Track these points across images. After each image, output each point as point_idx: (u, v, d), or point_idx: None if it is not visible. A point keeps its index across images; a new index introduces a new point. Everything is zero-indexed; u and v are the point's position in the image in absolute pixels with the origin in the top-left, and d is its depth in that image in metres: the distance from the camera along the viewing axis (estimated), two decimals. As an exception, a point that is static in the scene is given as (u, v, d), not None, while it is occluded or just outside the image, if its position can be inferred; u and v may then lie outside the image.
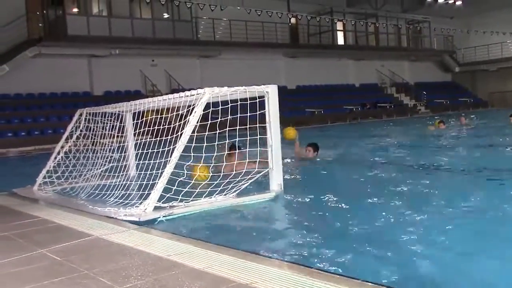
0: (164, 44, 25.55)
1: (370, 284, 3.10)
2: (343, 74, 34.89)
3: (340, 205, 5.76)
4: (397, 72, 37.27)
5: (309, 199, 6.15)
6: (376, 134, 18.49)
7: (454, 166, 8.70)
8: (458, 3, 35.95)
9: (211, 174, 6.83)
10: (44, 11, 23.14)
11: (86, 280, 3.48)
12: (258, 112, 6.39)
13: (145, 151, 6.82)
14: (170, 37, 25.60)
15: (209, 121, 6.16)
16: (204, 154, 6.23)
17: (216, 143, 6.39)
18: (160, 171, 5.70)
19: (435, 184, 6.85)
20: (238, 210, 5.70)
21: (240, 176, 6.29)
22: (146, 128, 7.58)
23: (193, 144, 5.87)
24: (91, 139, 8.31)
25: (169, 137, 6.23)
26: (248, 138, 6.53)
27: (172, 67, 26.87)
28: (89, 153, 8.22)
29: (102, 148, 8.00)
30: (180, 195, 5.67)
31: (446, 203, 5.45)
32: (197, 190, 5.88)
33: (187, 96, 6.18)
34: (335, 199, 5.99)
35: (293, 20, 31.84)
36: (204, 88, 6.03)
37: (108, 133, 7.98)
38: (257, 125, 6.40)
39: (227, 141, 6.71)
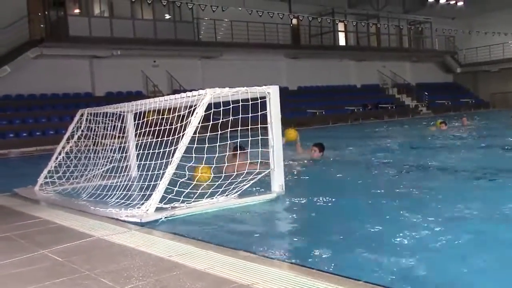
0: (166, 45, 25.58)
1: (370, 285, 3.10)
2: (345, 75, 34.89)
3: (341, 206, 5.76)
4: (398, 73, 37.25)
5: (310, 200, 6.15)
6: (378, 135, 18.48)
7: (456, 166, 8.68)
8: (460, 3, 35.98)
9: (213, 175, 6.82)
10: (46, 12, 23.17)
11: (88, 281, 3.49)
12: (259, 113, 6.39)
13: (146, 151, 6.81)
14: (172, 38, 25.62)
15: (211, 122, 6.16)
16: (205, 155, 6.23)
17: (218, 144, 6.39)
18: (161, 172, 5.70)
19: (436, 185, 6.84)
20: (240, 211, 5.70)
21: (242, 177, 6.29)
22: (147, 129, 7.58)
23: (195, 145, 5.87)
24: (92, 139, 8.32)
25: (170, 138, 6.23)
26: (250, 139, 6.53)
27: (173, 68, 26.89)
28: (91, 154, 8.23)
29: (103, 148, 8.00)
30: (182, 196, 5.67)
31: (448, 205, 5.43)
32: (198, 191, 5.88)
33: (189, 97, 6.18)
34: (336, 200, 5.99)
35: (294, 21, 31.86)
36: (206, 89, 6.03)
37: (110, 134, 7.99)
38: (259, 125, 6.39)
39: (229, 142, 6.71)
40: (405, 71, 37.92)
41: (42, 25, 23.00)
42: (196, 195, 5.82)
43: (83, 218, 5.76)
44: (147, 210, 5.42)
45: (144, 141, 7.35)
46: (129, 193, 6.28)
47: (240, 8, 26.33)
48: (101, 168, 7.76)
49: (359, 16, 34.77)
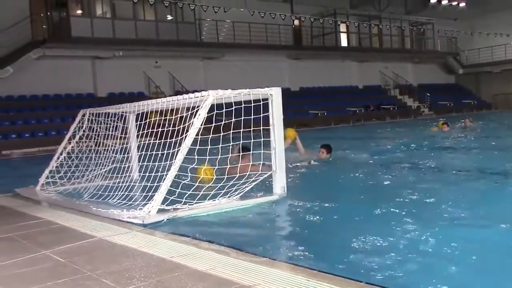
0: (168, 46, 25.60)
1: (371, 286, 3.10)
2: (347, 76, 34.88)
3: (342, 208, 5.75)
4: (400, 74, 37.23)
5: (312, 202, 6.14)
6: (380, 136, 18.47)
7: (456, 167, 8.67)
8: (462, 4, 35.97)
9: (215, 177, 6.81)
10: (48, 13, 23.20)
11: (89, 282, 3.49)
12: (262, 115, 6.38)
13: (148, 152, 6.82)
14: (174, 39, 25.64)
15: (213, 124, 6.16)
16: (208, 157, 6.23)
17: (220, 145, 6.39)
18: (165, 173, 5.70)
19: (439, 187, 6.83)
20: (242, 213, 5.70)
21: (244, 178, 6.29)
22: (150, 130, 7.58)
23: (197, 147, 5.87)
24: (94, 139, 8.32)
25: (173, 139, 6.22)
26: (252, 140, 6.53)
27: (175, 69, 26.91)
28: (92, 154, 8.23)
29: (105, 149, 8.01)
30: (184, 198, 5.68)
31: (450, 208, 5.42)
32: (201, 193, 5.89)
33: (191, 98, 6.18)
34: (337, 202, 5.98)
35: (296, 22, 31.86)
36: (208, 90, 6.03)
37: (111, 134, 7.99)
38: (261, 127, 6.38)
39: (231, 143, 6.71)
40: (407, 72, 37.90)
41: (44, 26, 23.02)
42: (198, 197, 5.82)
43: (85, 218, 5.77)
44: (149, 211, 5.42)
45: (147, 142, 7.35)
46: (131, 194, 6.29)
47: (242, 9, 26.33)
48: (103, 169, 7.77)
49: (361, 17, 34.75)
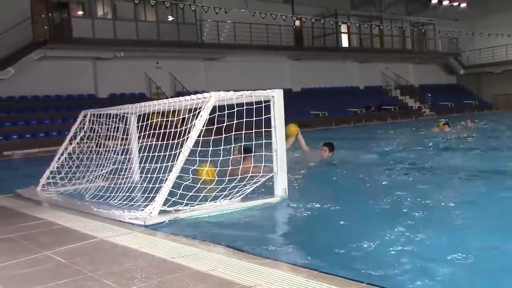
0: (169, 47, 25.61)
1: (371, 286, 3.10)
2: (348, 76, 34.87)
3: (343, 210, 5.75)
4: (401, 74, 37.21)
5: (313, 203, 6.14)
6: (381, 136, 18.46)
7: (457, 168, 8.67)
8: (463, 5, 35.91)
9: (217, 178, 6.81)
10: (49, 14, 23.20)
11: (91, 282, 3.50)
12: (264, 117, 6.38)
13: (150, 154, 6.82)
14: (175, 40, 25.65)
15: (215, 125, 6.16)
16: (210, 158, 6.23)
17: (222, 147, 6.39)
18: (166, 174, 5.71)
19: (440, 188, 6.83)
20: (243, 214, 5.70)
21: (245, 180, 6.29)
22: (152, 131, 7.59)
23: (199, 148, 5.88)
24: (95, 140, 8.33)
25: (175, 141, 6.22)
26: (254, 142, 6.53)
27: (176, 70, 26.92)
28: (93, 155, 8.24)
29: (106, 150, 8.01)
30: (186, 199, 5.68)
31: (451, 208, 5.43)
32: (202, 194, 5.89)
33: (193, 99, 6.18)
34: (338, 203, 5.98)
35: (297, 23, 31.85)
36: (209, 91, 6.03)
37: (112, 135, 7.99)
38: (263, 129, 6.38)
39: (233, 145, 6.71)
40: (408, 73, 37.88)
41: (45, 27, 23.03)
42: (199, 198, 5.83)
43: (86, 219, 5.78)
44: (151, 212, 5.43)
45: (148, 143, 7.36)
46: (132, 195, 6.29)
47: (243, 10, 26.34)
48: (104, 170, 7.77)
49: (362, 17, 34.75)
